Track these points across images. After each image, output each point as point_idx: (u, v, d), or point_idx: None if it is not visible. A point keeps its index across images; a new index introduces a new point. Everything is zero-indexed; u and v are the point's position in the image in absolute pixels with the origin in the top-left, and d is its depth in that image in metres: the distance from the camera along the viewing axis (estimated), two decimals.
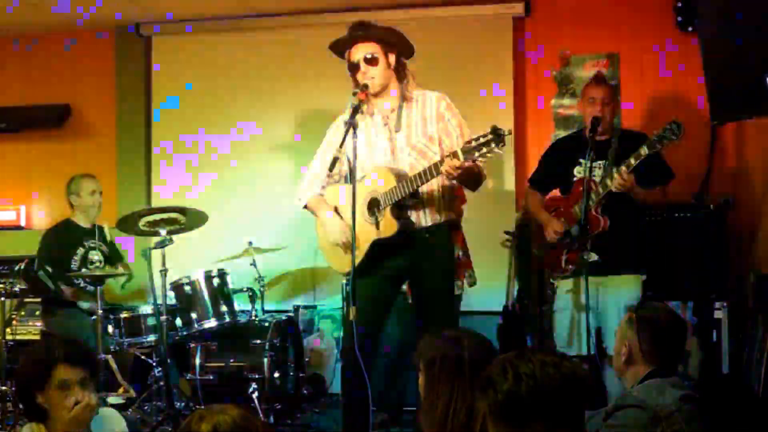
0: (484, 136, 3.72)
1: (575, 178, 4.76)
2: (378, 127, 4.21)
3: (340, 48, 4.26)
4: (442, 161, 3.87)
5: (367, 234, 4.06)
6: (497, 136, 3.69)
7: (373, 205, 4.08)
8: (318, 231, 4.44)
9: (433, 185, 4.13)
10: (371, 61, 4.15)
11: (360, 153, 3.99)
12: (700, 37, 4.22)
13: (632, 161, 4.42)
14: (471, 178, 4.10)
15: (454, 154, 3.80)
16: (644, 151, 4.37)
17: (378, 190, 4.06)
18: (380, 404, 3.96)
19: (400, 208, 4.08)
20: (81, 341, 3.07)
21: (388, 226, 4.06)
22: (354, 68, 4.18)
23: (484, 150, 3.72)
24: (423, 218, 4.15)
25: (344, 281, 4.79)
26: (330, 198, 4.35)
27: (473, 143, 3.75)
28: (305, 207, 4.43)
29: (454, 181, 4.12)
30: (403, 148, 4.16)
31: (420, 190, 4.09)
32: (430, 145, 4.15)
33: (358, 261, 4.04)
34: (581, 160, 4.70)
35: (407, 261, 4.16)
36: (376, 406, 4.00)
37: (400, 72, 4.24)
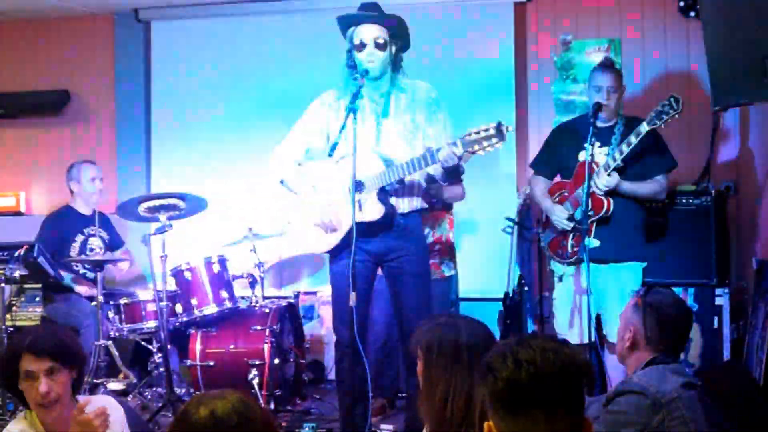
0: (486, 129, 3.75)
1: (578, 162, 4.75)
2: (365, 111, 4.20)
3: (348, 22, 4.25)
4: (439, 149, 3.90)
5: (349, 215, 4.04)
6: (499, 132, 3.72)
7: (358, 188, 4.07)
8: (295, 209, 4.43)
9: (416, 174, 4.16)
10: (380, 46, 4.15)
11: (347, 135, 4.01)
12: (702, 23, 4.20)
13: (633, 139, 4.42)
14: (457, 170, 4.13)
15: (454, 144, 3.83)
16: (644, 128, 4.38)
17: (363, 173, 4.06)
18: (374, 390, 3.96)
19: (386, 194, 4.10)
20: (58, 331, 2.99)
21: (373, 209, 4.07)
22: (359, 47, 4.17)
23: (485, 144, 3.76)
24: (402, 204, 4.18)
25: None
26: (310, 175, 4.34)
27: (473, 135, 3.77)
28: (282, 183, 4.44)
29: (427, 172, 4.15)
30: (390, 135, 4.18)
31: (406, 177, 4.12)
32: (416, 132, 4.18)
33: (338, 240, 4.09)
34: (586, 145, 4.69)
35: (384, 246, 4.18)
36: (372, 392, 4.01)
37: (396, 63, 4.25)
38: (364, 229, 4.07)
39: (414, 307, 4.13)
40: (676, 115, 4.32)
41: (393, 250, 4.20)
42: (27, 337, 2.85)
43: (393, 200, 4.18)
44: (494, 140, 3.75)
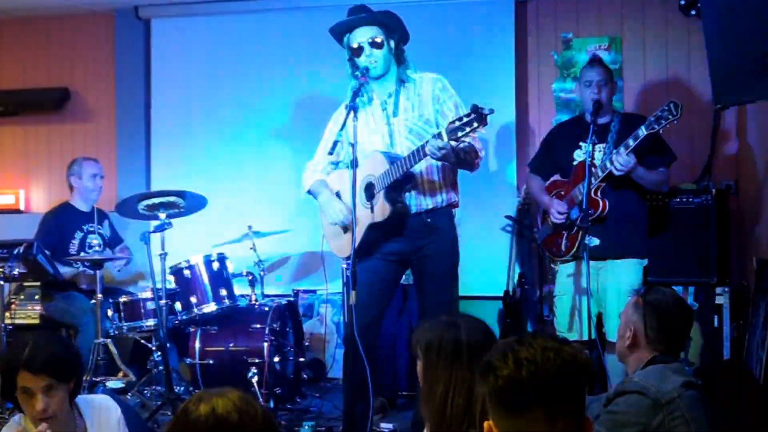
0: (467, 115, 3.74)
1: (576, 162, 4.74)
2: (376, 112, 4.20)
3: (340, 31, 4.24)
4: (427, 143, 3.89)
5: (364, 218, 4.07)
6: (479, 115, 3.70)
7: (370, 190, 4.08)
8: (321, 216, 4.46)
9: (432, 168, 4.13)
10: (377, 45, 4.14)
11: (360, 138, 4.00)
12: (703, 20, 4.19)
13: (631, 142, 4.41)
14: (462, 158, 4.10)
15: (439, 135, 3.81)
16: (642, 131, 4.36)
17: (374, 175, 4.07)
18: (374, 389, 3.96)
19: (396, 192, 4.09)
20: (57, 345, 2.92)
21: (382, 209, 4.07)
22: (357, 52, 4.16)
23: (467, 130, 3.74)
24: (423, 201, 4.15)
25: (344, 266, 4.79)
26: (332, 183, 4.36)
27: (456, 123, 3.76)
28: (309, 192, 4.47)
29: (445, 163, 4.13)
30: (401, 132, 4.17)
31: (418, 172, 4.10)
32: (426, 127, 4.16)
33: (358, 241, 4.08)
34: (581, 144, 4.68)
35: (409, 245, 4.17)
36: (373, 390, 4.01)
37: (399, 57, 4.24)
38: (380, 231, 4.07)
39: (433, 307, 4.10)
40: (675, 121, 4.30)
41: (417, 248, 4.20)
42: (23, 351, 2.76)
43: (414, 198, 4.16)
44: (475, 124, 3.72)
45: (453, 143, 3.85)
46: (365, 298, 3.99)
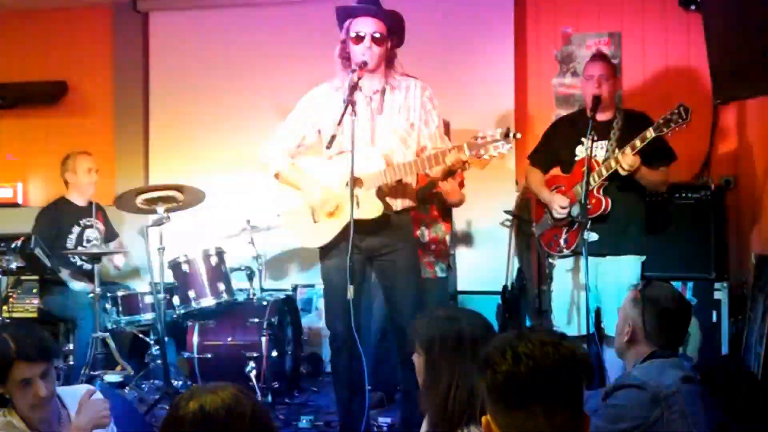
0: (493, 136, 3.76)
1: (577, 158, 4.73)
2: (360, 107, 4.16)
3: (347, 14, 4.20)
4: (444, 153, 3.88)
5: (347, 212, 4.00)
6: (506, 138, 3.73)
7: (354, 183, 4.04)
8: (299, 198, 4.41)
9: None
10: (379, 41, 4.11)
11: (345, 130, 3.98)
12: (703, 15, 4.19)
13: (638, 143, 4.38)
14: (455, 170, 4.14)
15: (459, 148, 3.82)
16: (650, 134, 4.34)
17: (361, 170, 4.02)
18: (372, 383, 3.96)
19: (382, 192, 4.09)
20: (35, 330, 2.93)
21: (372, 207, 4.04)
22: (356, 40, 4.12)
23: (491, 149, 3.75)
24: (395, 203, 4.17)
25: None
26: (305, 170, 4.31)
27: (479, 140, 3.78)
28: (275, 176, 4.39)
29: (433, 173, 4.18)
30: (384, 132, 4.15)
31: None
32: (410, 131, 4.15)
33: (335, 233, 4.10)
34: (583, 140, 4.66)
35: (376, 241, 4.15)
36: (370, 385, 4.00)
37: (390, 59, 4.22)
38: (361, 226, 4.06)
39: (408, 302, 4.12)
40: (684, 125, 4.28)
41: (385, 245, 4.19)
42: (10, 344, 2.75)
43: (388, 198, 4.16)
44: (500, 146, 3.77)
45: (471, 158, 3.88)
46: (337, 292, 4.01)
